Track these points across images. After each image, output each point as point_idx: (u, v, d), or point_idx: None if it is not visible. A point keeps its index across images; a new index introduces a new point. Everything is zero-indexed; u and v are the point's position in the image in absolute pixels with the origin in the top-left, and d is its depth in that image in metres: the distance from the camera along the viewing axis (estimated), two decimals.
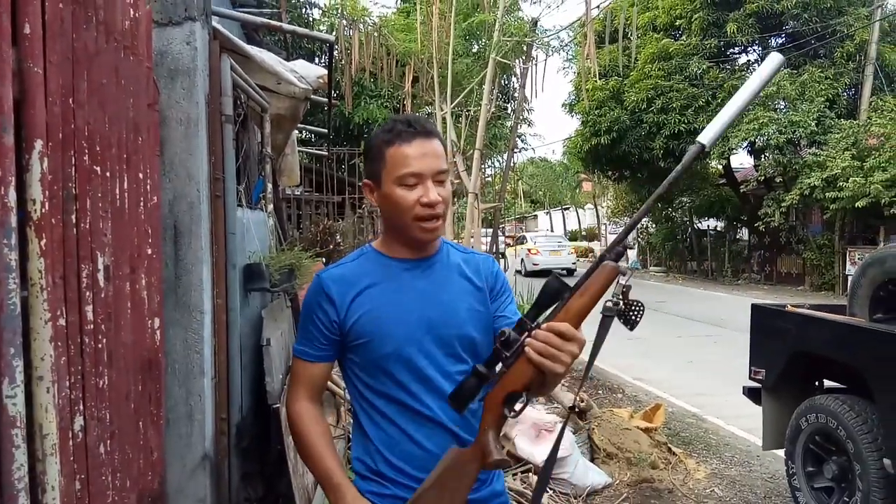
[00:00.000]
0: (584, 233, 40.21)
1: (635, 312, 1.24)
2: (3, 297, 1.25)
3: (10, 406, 1.25)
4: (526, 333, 1.25)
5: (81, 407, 1.51)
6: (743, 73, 19.44)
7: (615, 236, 1.28)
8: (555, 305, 1.27)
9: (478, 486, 1.48)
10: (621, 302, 1.23)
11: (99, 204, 1.65)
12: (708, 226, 24.66)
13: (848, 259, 16.26)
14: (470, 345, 1.49)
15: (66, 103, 1.46)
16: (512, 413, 1.31)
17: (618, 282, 1.24)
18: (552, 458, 1.37)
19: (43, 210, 1.33)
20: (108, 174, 1.71)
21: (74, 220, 1.50)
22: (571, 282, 1.28)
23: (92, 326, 1.58)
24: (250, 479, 2.78)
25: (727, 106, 1.24)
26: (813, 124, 15.95)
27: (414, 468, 1.44)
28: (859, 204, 14.16)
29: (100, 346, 1.63)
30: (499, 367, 1.30)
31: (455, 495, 1.33)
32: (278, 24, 3.81)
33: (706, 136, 1.22)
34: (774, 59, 1.24)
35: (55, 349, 1.36)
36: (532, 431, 4.24)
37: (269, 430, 2.81)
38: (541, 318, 1.27)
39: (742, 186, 19.87)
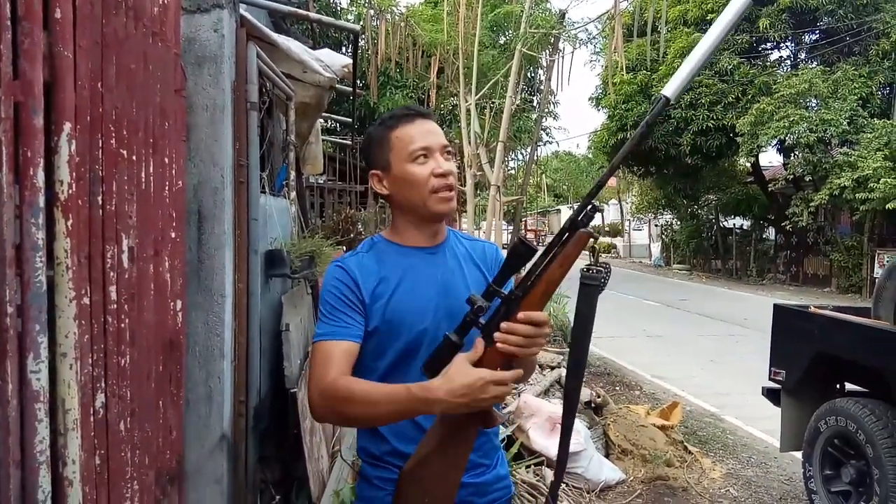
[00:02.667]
0: (607, 228, 39.92)
1: (606, 276, 1.25)
2: (30, 275, 1.28)
3: (34, 381, 1.29)
4: (498, 300, 1.27)
5: (103, 384, 1.55)
6: (774, 68, 19.13)
7: (584, 198, 1.24)
8: (528, 270, 1.27)
9: (482, 470, 1.50)
10: (593, 269, 1.24)
11: (125, 186, 1.69)
12: (734, 224, 24.34)
13: (876, 261, 15.97)
14: None
15: (95, 87, 1.50)
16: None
17: (590, 247, 1.25)
18: (563, 456, 1.36)
19: (70, 191, 1.36)
20: (134, 158, 1.75)
21: (100, 202, 1.53)
22: None
23: (115, 306, 1.62)
24: (267, 461, 2.83)
25: (692, 54, 1.21)
26: (845, 123, 15.64)
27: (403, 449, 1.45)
28: (890, 206, 13.88)
29: (122, 325, 1.67)
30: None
31: (456, 461, 1.34)
32: (305, 12, 3.83)
33: (670, 89, 1.19)
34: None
35: (79, 327, 1.40)
36: (547, 425, 4.24)
37: (286, 414, 2.85)
38: (512, 281, 1.28)
39: (770, 185, 19.56)
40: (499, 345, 1.25)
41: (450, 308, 1.46)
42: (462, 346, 1.29)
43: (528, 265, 1.29)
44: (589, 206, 1.23)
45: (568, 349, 1.31)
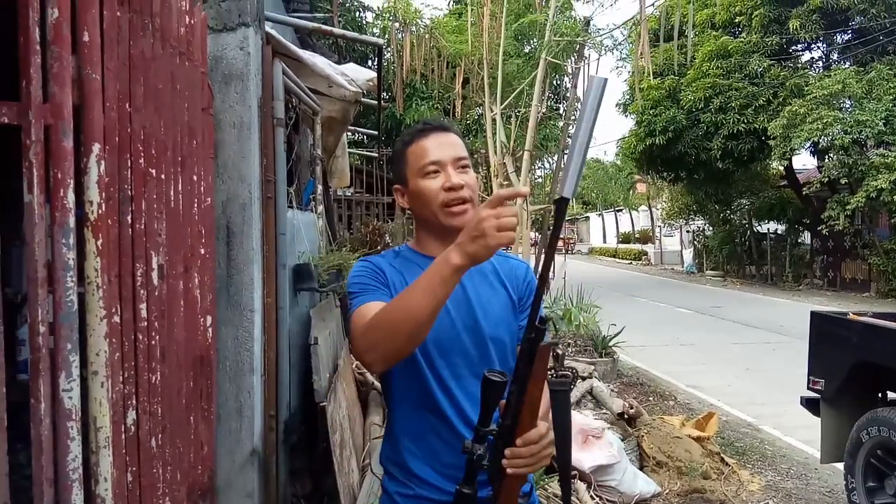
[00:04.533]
0: (637, 235, 39.52)
1: (573, 381, 1.26)
2: (62, 295, 1.30)
3: (66, 399, 1.30)
4: (492, 439, 1.25)
5: (134, 401, 1.57)
6: (806, 70, 18.78)
7: (533, 313, 1.20)
8: (506, 400, 1.24)
9: None
10: (559, 375, 1.26)
11: (154, 205, 1.71)
12: (768, 229, 23.88)
13: None
14: (501, 348, 1.49)
15: (123, 108, 1.52)
16: None
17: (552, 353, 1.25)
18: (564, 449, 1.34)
19: (100, 211, 1.38)
20: (162, 176, 1.77)
21: (130, 221, 1.55)
22: None
23: (145, 323, 1.63)
24: (297, 475, 2.84)
25: (570, 152, 1.17)
26: (881, 124, 15.26)
27: (439, 465, 1.44)
28: None
29: (153, 342, 1.69)
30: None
31: None
32: (330, 28, 3.87)
33: (567, 190, 1.13)
34: (598, 82, 1.14)
35: (110, 345, 1.41)
36: (579, 437, 4.18)
37: (315, 428, 2.86)
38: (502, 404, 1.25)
39: (804, 188, 19.12)
40: (510, 471, 1.25)
41: (466, 320, 1.45)
42: (476, 494, 1.27)
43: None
44: (536, 324, 1.20)
45: (555, 457, 1.30)
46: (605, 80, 1.15)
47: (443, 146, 1.46)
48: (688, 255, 29.03)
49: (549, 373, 1.25)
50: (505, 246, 1.26)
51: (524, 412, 1.24)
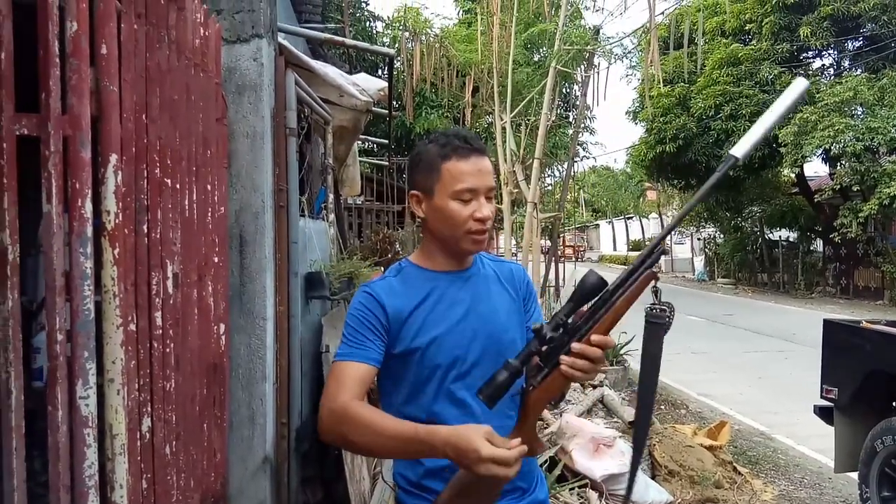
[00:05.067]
0: (647, 242, 39.31)
1: (670, 316, 1.27)
2: (79, 303, 1.32)
3: (83, 407, 1.32)
4: (562, 332, 1.28)
5: (149, 409, 1.58)
6: (817, 77, 18.69)
7: (652, 241, 1.31)
8: (594, 303, 1.28)
9: (519, 495, 1.48)
10: (657, 308, 1.26)
11: (169, 214, 1.73)
12: (780, 236, 23.71)
13: None
14: (513, 349, 1.49)
15: (140, 119, 1.54)
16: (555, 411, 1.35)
17: (652, 286, 1.28)
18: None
19: (116, 221, 1.40)
20: (178, 186, 1.79)
21: (146, 230, 1.57)
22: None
23: (161, 332, 1.65)
24: (309, 483, 2.84)
25: (762, 120, 1.27)
26: (893, 131, 15.15)
27: (438, 468, 1.43)
28: None
29: (168, 350, 1.70)
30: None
31: (490, 493, 1.34)
32: (341, 39, 3.90)
33: (740, 150, 1.26)
34: (800, 84, 1.27)
35: (125, 353, 1.43)
36: (590, 446, 4.16)
37: None
38: (583, 310, 1.29)
39: (816, 196, 18.99)
40: (564, 368, 1.26)
41: (477, 331, 1.47)
42: (521, 372, 1.30)
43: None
44: (657, 248, 1.28)
45: (638, 384, 1.32)
46: (808, 83, 1.30)
47: (481, 174, 1.46)
48: (699, 262, 28.86)
49: (648, 306, 1.27)
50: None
51: (608, 317, 1.27)
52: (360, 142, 7.75)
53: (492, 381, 1.29)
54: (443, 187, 1.45)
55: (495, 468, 1.18)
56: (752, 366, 9.31)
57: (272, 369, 2.49)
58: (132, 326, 1.48)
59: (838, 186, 16.49)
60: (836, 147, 15.48)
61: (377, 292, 1.48)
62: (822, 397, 4.13)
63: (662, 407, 6.95)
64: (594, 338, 1.25)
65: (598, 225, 46.97)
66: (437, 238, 1.51)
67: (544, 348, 1.29)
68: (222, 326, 2.19)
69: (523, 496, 1.50)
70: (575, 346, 1.26)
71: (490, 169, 1.49)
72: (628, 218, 42.46)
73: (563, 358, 1.26)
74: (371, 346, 1.43)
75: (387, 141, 8.08)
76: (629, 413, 5.15)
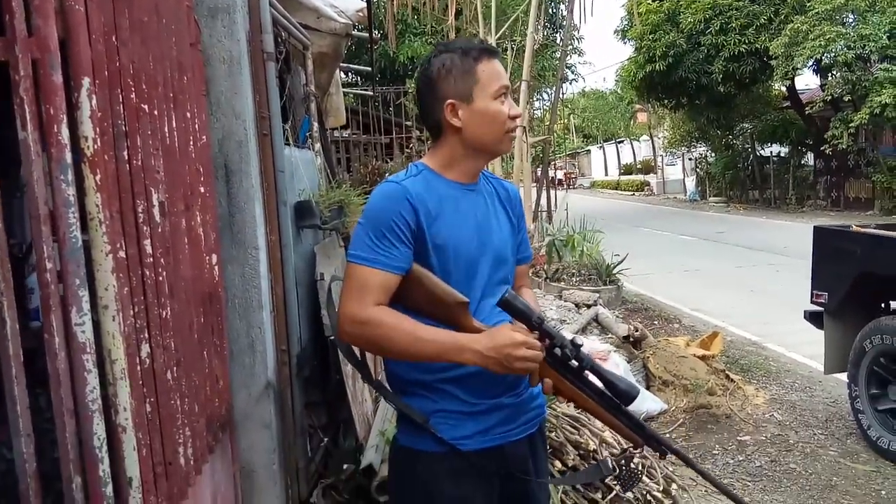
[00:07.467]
0: (639, 166, 39.16)
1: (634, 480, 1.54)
2: (65, 231, 1.31)
3: (80, 333, 1.33)
4: (575, 356, 1.44)
5: (147, 335, 1.60)
6: None
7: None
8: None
9: (520, 390, 1.53)
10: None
11: (149, 141, 1.70)
12: (771, 152, 23.62)
13: None
14: (508, 266, 1.58)
15: (110, 41, 1.49)
16: None
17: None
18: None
19: (95, 146, 1.37)
20: (155, 113, 1.75)
21: (126, 157, 1.55)
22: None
23: (151, 260, 1.65)
24: (313, 407, 2.91)
25: None
26: (885, 37, 14.88)
27: (456, 374, 1.45)
28: None
29: (160, 278, 1.71)
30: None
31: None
32: None
33: None
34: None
35: (118, 280, 1.43)
36: None
37: (327, 361, 2.91)
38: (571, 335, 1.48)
39: (807, 109, 18.82)
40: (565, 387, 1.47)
41: (485, 242, 1.51)
42: (534, 327, 1.41)
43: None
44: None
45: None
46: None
47: (505, 74, 1.51)
48: (690, 183, 28.84)
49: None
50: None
51: (587, 401, 1.50)
52: (343, 74, 7.57)
53: (515, 301, 1.38)
54: (481, 89, 1.45)
55: (529, 351, 1.34)
56: (745, 280, 9.45)
57: (268, 298, 2.50)
58: (122, 253, 1.47)
59: (829, 97, 16.31)
60: (827, 57, 15.27)
61: (407, 189, 1.42)
62: (812, 302, 4.20)
63: (656, 322, 7.09)
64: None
65: (588, 150, 46.62)
66: (473, 146, 1.49)
67: (557, 349, 1.41)
68: (214, 257, 2.19)
69: (524, 391, 1.56)
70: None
71: None
72: (619, 142, 42.11)
73: (573, 380, 1.45)
74: (398, 254, 1.39)
75: (370, 69, 7.90)
76: (623, 329, 5.25)
